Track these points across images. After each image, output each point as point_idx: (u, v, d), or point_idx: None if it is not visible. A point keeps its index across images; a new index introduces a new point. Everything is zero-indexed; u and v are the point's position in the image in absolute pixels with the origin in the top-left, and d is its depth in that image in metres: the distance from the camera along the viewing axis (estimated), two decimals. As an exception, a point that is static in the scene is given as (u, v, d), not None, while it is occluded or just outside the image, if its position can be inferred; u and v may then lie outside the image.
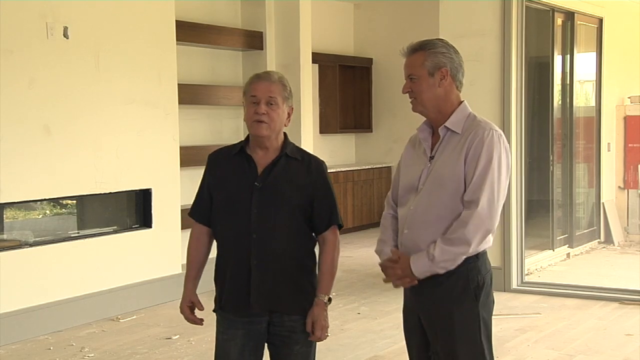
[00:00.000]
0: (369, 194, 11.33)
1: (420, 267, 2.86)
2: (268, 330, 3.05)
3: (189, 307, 3.15)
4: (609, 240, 9.69)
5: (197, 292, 3.18)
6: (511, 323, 6.07)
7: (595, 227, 9.72)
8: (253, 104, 2.99)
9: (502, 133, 2.96)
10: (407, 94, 3.00)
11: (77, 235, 6.60)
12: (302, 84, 8.60)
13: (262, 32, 8.62)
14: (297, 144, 3.19)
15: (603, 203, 9.75)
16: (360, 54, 11.85)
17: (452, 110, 2.97)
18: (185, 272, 3.23)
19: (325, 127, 11.29)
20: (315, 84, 10.89)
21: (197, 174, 7.25)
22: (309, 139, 8.64)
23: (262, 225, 2.98)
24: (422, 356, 3.07)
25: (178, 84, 7.30)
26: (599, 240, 9.68)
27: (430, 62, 2.92)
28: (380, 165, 11.64)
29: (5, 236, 6.05)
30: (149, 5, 6.93)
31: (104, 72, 6.50)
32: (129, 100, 6.74)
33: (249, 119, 3.01)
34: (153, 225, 7.00)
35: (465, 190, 2.86)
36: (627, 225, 10.02)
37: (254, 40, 8.57)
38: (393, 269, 2.94)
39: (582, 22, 9.24)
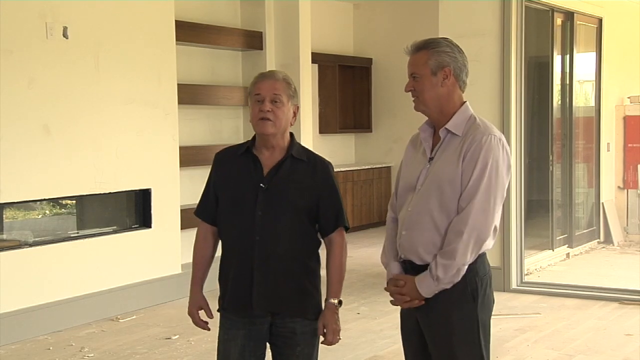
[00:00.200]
0: (369, 194, 11.33)
1: (427, 288, 2.86)
2: (270, 331, 3.04)
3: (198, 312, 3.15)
4: (608, 240, 9.69)
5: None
6: (511, 323, 6.07)
7: (594, 227, 9.71)
8: (258, 102, 2.97)
9: (502, 136, 2.93)
10: (410, 93, 2.98)
11: (76, 235, 6.60)
12: (301, 84, 8.58)
13: (261, 32, 8.61)
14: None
15: (603, 203, 9.75)
16: (359, 54, 11.84)
17: (454, 110, 2.94)
18: (191, 273, 3.21)
19: (325, 127, 11.29)
20: (315, 84, 10.88)
21: (196, 174, 7.39)
22: (308, 139, 8.63)
23: (266, 227, 2.96)
24: (419, 359, 3.05)
25: (178, 84, 7.30)
26: (598, 240, 9.68)
27: (434, 61, 2.90)
28: (380, 165, 11.64)
29: (4, 236, 6.05)
30: (148, 5, 6.93)
31: (103, 72, 6.50)
32: (128, 100, 6.74)
33: (254, 117, 2.99)
34: (153, 225, 7.00)
35: (461, 194, 2.84)
36: (627, 225, 10.02)
37: (253, 40, 8.56)
38: (400, 294, 2.93)
39: (581, 22, 9.24)
